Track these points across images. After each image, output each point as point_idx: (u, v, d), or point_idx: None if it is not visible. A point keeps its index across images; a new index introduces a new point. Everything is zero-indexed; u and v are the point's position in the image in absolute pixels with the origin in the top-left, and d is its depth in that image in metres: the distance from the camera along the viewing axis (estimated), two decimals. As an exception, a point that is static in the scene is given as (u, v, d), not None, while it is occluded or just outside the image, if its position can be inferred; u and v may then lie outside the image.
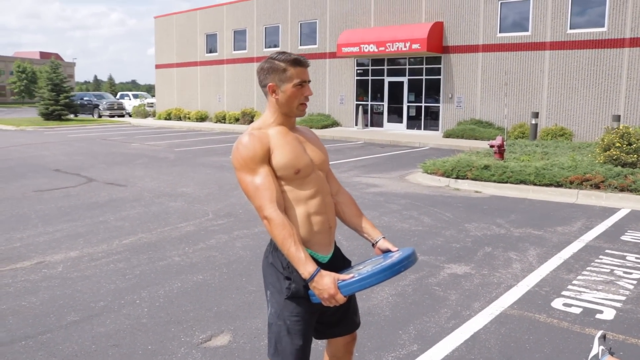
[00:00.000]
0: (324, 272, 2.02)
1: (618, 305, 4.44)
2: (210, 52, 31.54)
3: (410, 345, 3.68)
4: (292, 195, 2.17)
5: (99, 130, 25.64)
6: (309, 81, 2.24)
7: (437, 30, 21.19)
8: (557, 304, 4.46)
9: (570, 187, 9.47)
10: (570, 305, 4.42)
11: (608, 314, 4.24)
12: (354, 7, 24.29)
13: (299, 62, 2.20)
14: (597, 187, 9.34)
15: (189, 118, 31.27)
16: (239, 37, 29.81)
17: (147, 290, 4.66)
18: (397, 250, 2.29)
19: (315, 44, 25.87)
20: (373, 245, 2.40)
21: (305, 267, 2.01)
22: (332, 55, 25.05)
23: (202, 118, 30.89)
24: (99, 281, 4.90)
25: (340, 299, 1.99)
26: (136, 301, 4.42)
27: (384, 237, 2.40)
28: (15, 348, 3.61)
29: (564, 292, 4.71)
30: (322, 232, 2.22)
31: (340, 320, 2.35)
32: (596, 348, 3.40)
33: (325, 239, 2.25)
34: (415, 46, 20.88)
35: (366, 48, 22.62)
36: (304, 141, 2.29)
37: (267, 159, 2.13)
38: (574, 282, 4.99)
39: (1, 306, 4.33)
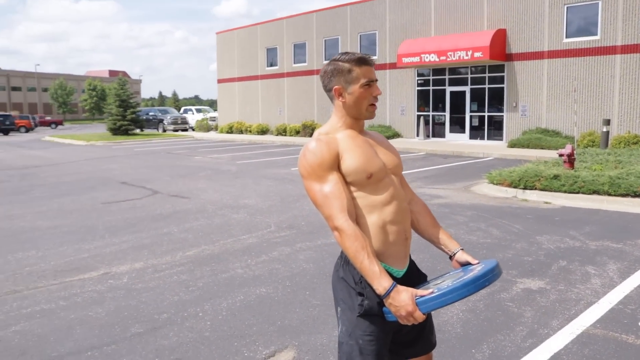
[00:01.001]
0: (400, 288, 1.86)
1: None
2: (271, 65, 31.98)
3: (485, 365, 3.46)
4: (365, 202, 2.02)
5: (163, 144, 26.38)
6: (376, 80, 2.11)
7: (500, 37, 20.63)
8: (645, 323, 4.11)
9: (649, 198, 8.89)
10: (660, 326, 4.06)
11: None
12: (413, 17, 24.04)
13: (364, 60, 2.06)
14: (679, 197, 8.73)
15: (250, 131, 31.73)
16: (299, 50, 30.08)
17: (210, 303, 4.62)
18: (478, 262, 2.11)
19: (375, 55, 25.74)
20: (450, 257, 2.23)
21: (380, 282, 1.86)
22: (393, 65, 24.84)
23: (263, 131, 31.28)
24: (162, 293, 4.91)
25: (419, 316, 1.83)
26: (199, 314, 4.38)
27: (462, 249, 2.22)
28: (81, 359, 3.62)
29: (651, 311, 4.35)
30: (397, 244, 2.07)
31: (415, 339, 2.18)
32: None
33: (401, 251, 2.09)
34: (477, 54, 20.41)
35: (427, 58, 22.29)
36: (374, 144, 2.15)
37: (336, 165, 2.00)
38: (662, 299, 4.60)
39: (70, 315, 4.39)
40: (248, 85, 33.60)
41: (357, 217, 2.00)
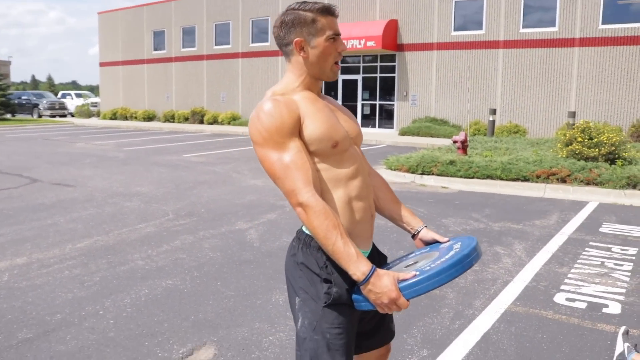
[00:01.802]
0: (381, 272, 1.59)
1: (621, 298, 4.21)
2: (158, 49, 30.49)
3: (419, 350, 3.31)
4: (329, 175, 1.73)
5: (40, 130, 24.26)
6: (340, 34, 1.82)
7: (392, 27, 21.07)
8: (560, 299, 4.19)
9: (537, 182, 9.38)
10: (573, 300, 4.16)
11: (614, 308, 4.00)
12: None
13: (330, 10, 1.77)
14: (563, 181, 9.29)
15: (135, 118, 30.11)
16: (188, 34, 28.92)
17: (111, 299, 4.10)
18: (448, 240, 1.89)
19: (268, 42, 25.35)
20: (413, 236, 2.00)
21: (358, 266, 1.57)
22: (285, 53, 24.57)
23: (149, 117, 29.80)
24: (53, 290, 4.30)
25: (403, 303, 1.57)
26: (99, 312, 3.86)
27: (426, 226, 2.00)
28: (-43, 372, 3.03)
29: (562, 287, 4.46)
30: (364, 222, 1.80)
31: (377, 328, 1.93)
32: (621, 345, 3.12)
33: (367, 229, 1.83)
34: (370, 44, 20.70)
35: (320, 45, 22.24)
36: (334, 110, 1.86)
37: (297, 130, 1.69)
38: (570, 275, 4.75)
39: (-63, 322, 3.70)
40: (133, 69, 31.83)
41: (321, 193, 1.71)
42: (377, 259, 1.93)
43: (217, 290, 4.33)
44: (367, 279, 1.57)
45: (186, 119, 27.83)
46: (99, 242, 5.76)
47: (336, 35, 1.77)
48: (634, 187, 8.70)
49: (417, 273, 1.60)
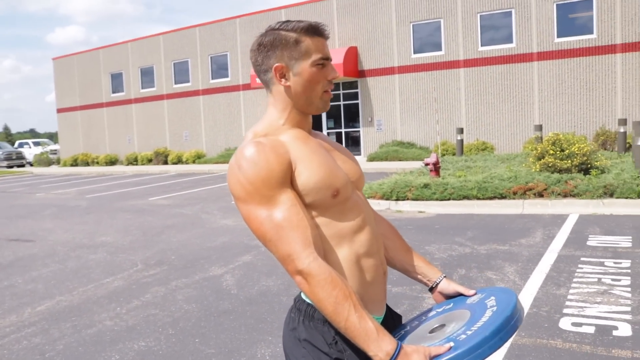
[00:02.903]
0: (408, 349, 1.26)
1: (628, 317, 3.97)
2: (116, 91, 29.94)
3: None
4: (330, 231, 1.41)
5: (-4, 183, 23.36)
6: (331, 59, 1.51)
7: (352, 54, 21.11)
8: (566, 324, 3.92)
9: (514, 198, 9.23)
10: (580, 325, 3.89)
11: (624, 330, 3.74)
12: (264, 37, 23.83)
13: (317, 30, 1.45)
14: (540, 195, 9.16)
15: (97, 163, 29.34)
16: (147, 74, 28.51)
17: (76, 370, 3.66)
18: (475, 292, 1.58)
19: (228, 77, 25.13)
20: (431, 289, 1.69)
21: (380, 345, 1.25)
22: (246, 87, 24.41)
23: (112, 162, 29.08)
24: (9, 365, 3.83)
25: None
26: (63, 387, 3.42)
27: (445, 277, 1.69)
28: None
29: (565, 310, 4.19)
30: (376, 282, 1.49)
31: None
32: None
33: (381, 291, 1.51)
34: (331, 72, 20.63)
35: (281, 77, 22.12)
36: (330, 149, 1.55)
37: (288, 179, 1.37)
38: (569, 297, 4.50)
39: None
40: (92, 113, 31.16)
41: (323, 254, 1.38)
42: (391, 321, 1.60)
43: (195, 349, 3.92)
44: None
45: (150, 161, 27.25)
46: (62, 302, 5.28)
47: (325, 60, 1.46)
48: (611, 195, 8.62)
49: (452, 344, 1.28)
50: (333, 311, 1.27)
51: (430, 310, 1.63)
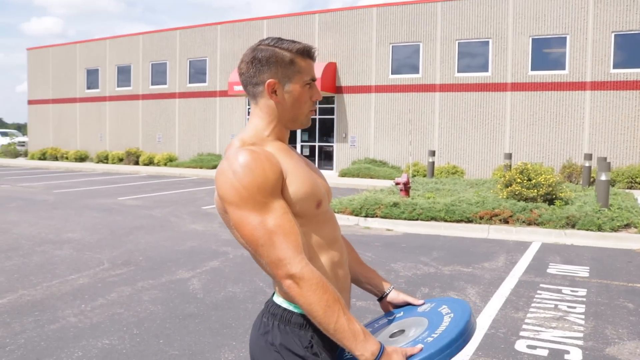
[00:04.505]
0: (389, 349, 1.38)
1: (580, 343, 4.15)
2: (91, 88, 29.59)
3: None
4: (312, 240, 1.51)
5: (-41, 172, 22.81)
6: (315, 80, 1.63)
7: (331, 70, 21.33)
8: (521, 346, 4.07)
9: (480, 223, 9.45)
10: (535, 347, 4.05)
11: (575, 354, 3.92)
12: (245, 46, 23.90)
13: (309, 53, 1.57)
14: (505, 221, 9.41)
15: (66, 158, 28.87)
16: (123, 73, 28.26)
17: (38, 364, 3.66)
18: (423, 302, 1.71)
19: (205, 82, 25.10)
20: (380, 299, 1.80)
21: (366, 346, 1.35)
22: (223, 93, 24.40)
23: (82, 158, 28.65)
24: (-31, 355, 3.80)
25: None
26: (24, 380, 3.42)
27: (394, 288, 1.81)
28: None
29: (522, 333, 4.35)
30: (345, 291, 1.60)
31: None
32: None
33: (348, 300, 1.63)
34: (309, 85, 20.80)
35: (259, 87, 22.18)
36: (307, 163, 1.67)
37: (280, 188, 1.45)
38: (527, 320, 4.67)
39: None
40: (64, 108, 30.69)
41: (309, 260, 1.48)
42: None
43: (159, 349, 3.95)
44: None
45: (121, 160, 26.93)
46: (25, 297, 5.24)
47: (312, 81, 1.58)
48: (573, 226, 8.90)
49: (422, 346, 1.40)
50: (323, 314, 1.35)
51: (380, 318, 1.75)
